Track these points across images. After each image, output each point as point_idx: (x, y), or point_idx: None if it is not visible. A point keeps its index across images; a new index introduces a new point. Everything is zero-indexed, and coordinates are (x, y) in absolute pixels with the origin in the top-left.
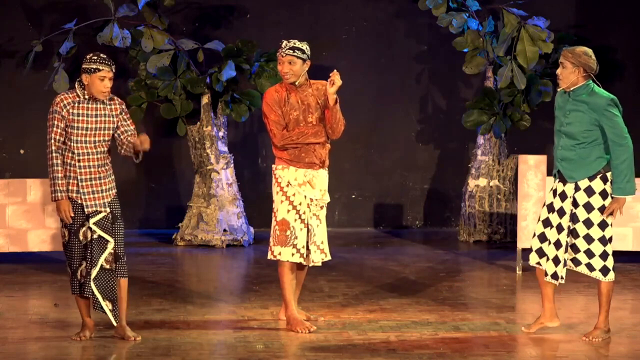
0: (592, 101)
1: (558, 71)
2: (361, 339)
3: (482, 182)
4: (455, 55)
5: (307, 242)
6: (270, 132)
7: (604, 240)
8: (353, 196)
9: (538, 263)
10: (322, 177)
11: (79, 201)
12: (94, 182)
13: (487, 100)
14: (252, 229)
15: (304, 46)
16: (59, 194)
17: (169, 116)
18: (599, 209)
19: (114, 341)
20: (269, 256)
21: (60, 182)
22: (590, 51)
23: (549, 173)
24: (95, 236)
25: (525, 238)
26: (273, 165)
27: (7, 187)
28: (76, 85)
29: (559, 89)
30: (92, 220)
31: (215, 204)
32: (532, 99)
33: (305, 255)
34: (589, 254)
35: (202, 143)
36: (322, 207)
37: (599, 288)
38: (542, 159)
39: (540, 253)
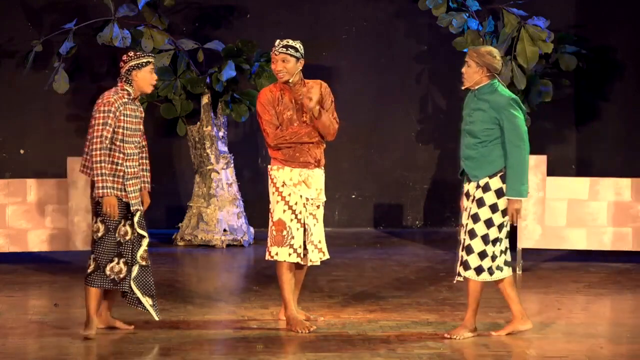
0: (494, 100)
1: (463, 70)
2: (361, 339)
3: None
4: (455, 55)
5: (305, 242)
6: (263, 131)
7: (486, 239)
8: (353, 196)
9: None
10: (317, 176)
11: (125, 200)
12: (135, 180)
13: None
14: (252, 229)
15: (298, 45)
16: (108, 190)
17: (169, 116)
18: (490, 206)
19: (114, 341)
20: (267, 257)
21: (109, 178)
22: (495, 51)
23: (549, 173)
24: (135, 234)
25: (525, 238)
26: (269, 166)
27: (7, 187)
28: (123, 86)
29: (462, 88)
30: (135, 219)
31: (215, 204)
32: (532, 99)
33: (302, 255)
34: (468, 250)
35: (202, 143)
36: (318, 207)
37: (468, 286)
38: (542, 159)
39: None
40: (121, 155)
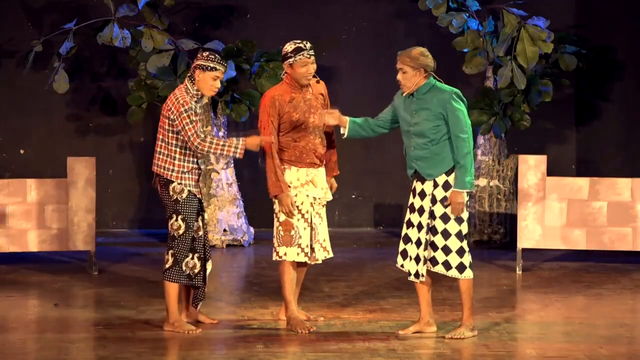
0: (437, 96)
1: (399, 77)
2: (361, 339)
3: (482, 182)
4: (455, 55)
5: (311, 241)
6: (263, 131)
7: (460, 236)
8: (353, 196)
9: (402, 265)
10: (322, 175)
11: (198, 196)
12: (201, 177)
13: (487, 100)
14: (252, 229)
15: None
16: (240, 149)
17: None
18: None
19: (114, 341)
20: (274, 257)
21: (241, 142)
22: (426, 51)
23: (549, 173)
24: (205, 230)
25: (525, 238)
26: None
27: (7, 187)
28: (188, 84)
29: (403, 94)
30: (206, 215)
31: (215, 204)
32: (532, 99)
33: (309, 254)
34: (446, 250)
35: None
36: (323, 206)
37: (459, 286)
38: (542, 159)
39: (404, 254)
40: (195, 153)
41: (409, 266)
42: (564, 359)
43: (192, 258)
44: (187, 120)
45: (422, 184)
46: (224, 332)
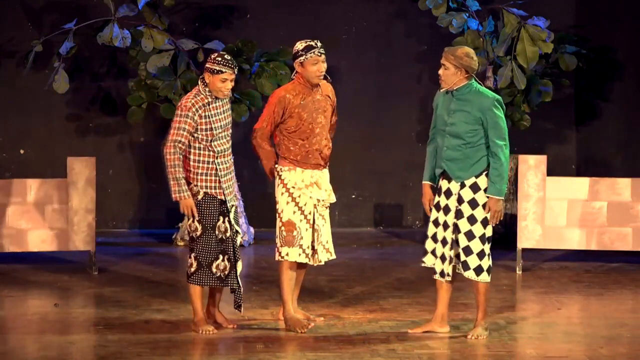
0: (478, 100)
1: (440, 72)
2: (361, 339)
3: None
4: None
5: (313, 243)
6: (261, 121)
7: (483, 239)
8: (353, 196)
9: (434, 264)
10: (326, 177)
11: (220, 197)
12: (229, 176)
13: None
14: (252, 229)
15: None
16: (184, 193)
17: (169, 116)
18: (483, 205)
19: (114, 341)
20: (277, 257)
21: (183, 181)
22: (472, 52)
23: (549, 173)
24: (233, 230)
25: (525, 238)
26: (277, 166)
27: (7, 187)
28: (200, 85)
29: (440, 90)
30: (231, 215)
31: None
32: (532, 99)
33: (310, 256)
34: (467, 251)
35: None
36: (327, 207)
37: (476, 288)
38: (542, 159)
39: (435, 254)
40: (212, 154)
41: (436, 264)
42: (564, 359)
43: (223, 260)
44: (177, 125)
45: (449, 182)
46: (224, 332)
